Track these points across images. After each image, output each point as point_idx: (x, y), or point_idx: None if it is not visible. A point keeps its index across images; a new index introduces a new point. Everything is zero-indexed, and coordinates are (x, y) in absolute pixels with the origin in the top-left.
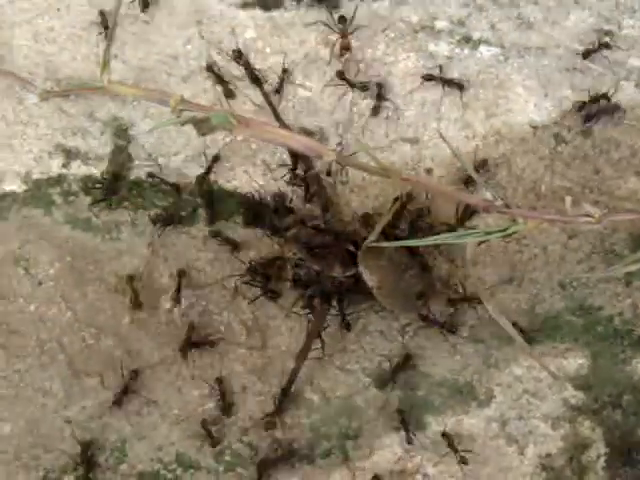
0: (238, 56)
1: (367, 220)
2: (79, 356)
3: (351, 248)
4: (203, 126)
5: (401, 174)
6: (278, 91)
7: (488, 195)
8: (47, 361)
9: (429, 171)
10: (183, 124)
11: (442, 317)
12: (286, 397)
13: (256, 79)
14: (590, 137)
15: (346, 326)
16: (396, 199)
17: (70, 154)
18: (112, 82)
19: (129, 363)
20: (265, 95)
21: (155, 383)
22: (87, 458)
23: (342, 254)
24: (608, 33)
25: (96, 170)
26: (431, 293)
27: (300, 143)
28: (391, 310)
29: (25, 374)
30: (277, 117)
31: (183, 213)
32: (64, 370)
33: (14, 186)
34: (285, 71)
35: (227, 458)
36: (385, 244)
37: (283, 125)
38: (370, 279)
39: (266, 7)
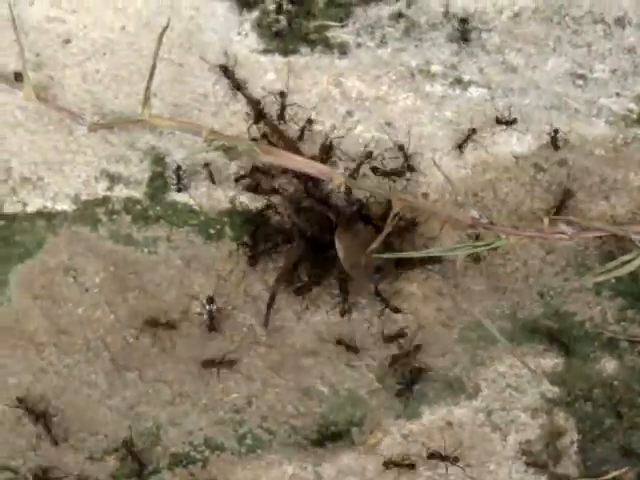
0: (224, 71)
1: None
2: (120, 353)
3: (332, 217)
4: (232, 153)
5: (398, 196)
6: (301, 138)
7: (475, 214)
8: (92, 357)
9: (425, 195)
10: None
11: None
12: (269, 313)
13: (239, 88)
14: (565, 166)
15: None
16: (395, 215)
17: (113, 179)
18: (153, 116)
19: (164, 359)
20: (251, 102)
21: (186, 376)
22: None
23: (324, 220)
24: (582, 76)
25: (136, 193)
26: (388, 271)
27: (314, 168)
28: (350, 276)
29: (73, 368)
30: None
31: (212, 230)
32: (107, 365)
33: (65, 206)
34: (310, 121)
35: (248, 442)
36: (387, 256)
37: (285, 140)
38: (339, 246)
39: (284, 53)
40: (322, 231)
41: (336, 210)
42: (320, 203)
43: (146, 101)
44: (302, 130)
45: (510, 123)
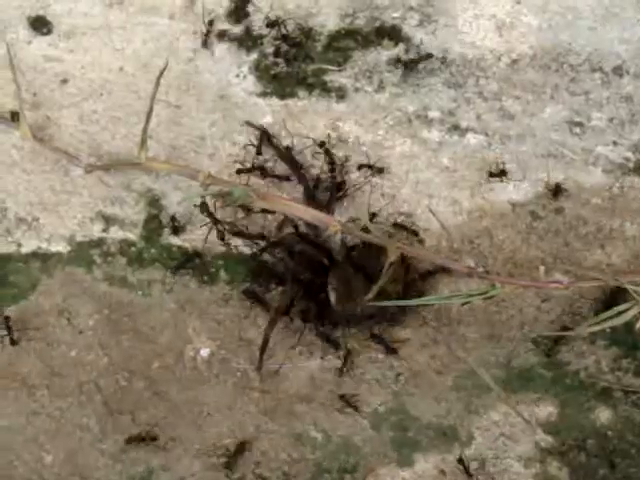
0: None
1: None
2: (113, 396)
3: (325, 261)
4: (227, 198)
5: (395, 243)
6: (316, 187)
7: (471, 262)
8: (85, 400)
9: (421, 242)
10: (212, 197)
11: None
12: (262, 356)
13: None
14: (561, 214)
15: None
16: (391, 263)
17: (109, 220)
18: (149, 159)
19: (157, 403)
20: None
21: (179, 421)
22: None
23: (317, 263)
24: (579, 124)
25: (131, 235)
26: (381, 316)
27: (311, 215)
28: (342, 321)
29: (66, 411)
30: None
31: (205, 277)
32: (100, 408)
33: (60, 247)
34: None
35: None
36: (385, 304)
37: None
38: (332, 293)
39: (282, 96)
40: (315, 274)
41: (329, 254)
42: (313, 247)
43: (143, 144)
44: (317, 180)
45: (502, 174)
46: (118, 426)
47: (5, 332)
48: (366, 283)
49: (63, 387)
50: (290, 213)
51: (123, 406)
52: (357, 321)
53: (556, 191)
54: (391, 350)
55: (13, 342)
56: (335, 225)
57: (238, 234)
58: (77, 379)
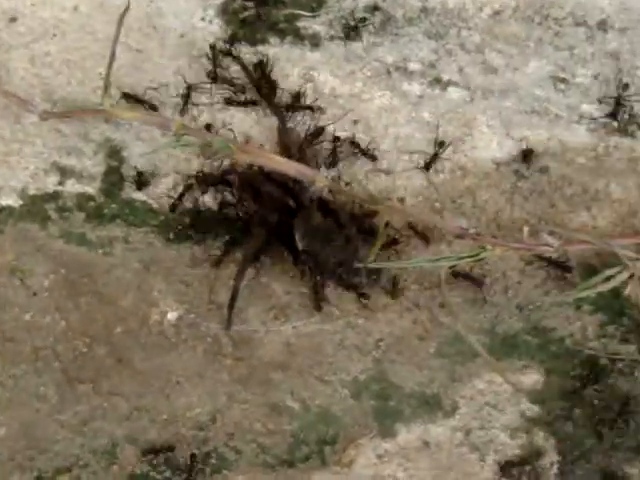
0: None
1: None
2: (72, 364)
3: (291, 203)
4: (206, 151)
5: (385, 202)
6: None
7: (463, 223)
8: (42, 368)
9: (401, 200)
10: (187, 147)
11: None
12: (231, 312)
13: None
14: (546, 174)
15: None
16: (386, 224)
17: (65, 172)
18: (114, 106)
19: (120, 370)
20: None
21: (144, 390)
22: None
23: (282, 206)
24: (563, 80)
25: (90, 188)
26: (351, 263)
27: (295, 169)
28: (310, 269)
29: (20, 379)
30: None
31: (171, 235)
32: (58, 376)
33: (10, 201)
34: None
35: (213, 461)
36: (374, 265)
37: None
38: (300, 239)
39: (252, 42)
40: (281, 219)
41: (295, 197)
42: (279, 188)
43: (106, 89)
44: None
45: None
46: (78, 395)
47: None
48: (334, 228)
49: (17, 353)
50: (274, 167)
51: (83, 374)
52: (326, 268)
53: (525, 156)
54: (361, 294)
55: None
56: (322, 180)
57: (203, 181)
58: (32, 345)
